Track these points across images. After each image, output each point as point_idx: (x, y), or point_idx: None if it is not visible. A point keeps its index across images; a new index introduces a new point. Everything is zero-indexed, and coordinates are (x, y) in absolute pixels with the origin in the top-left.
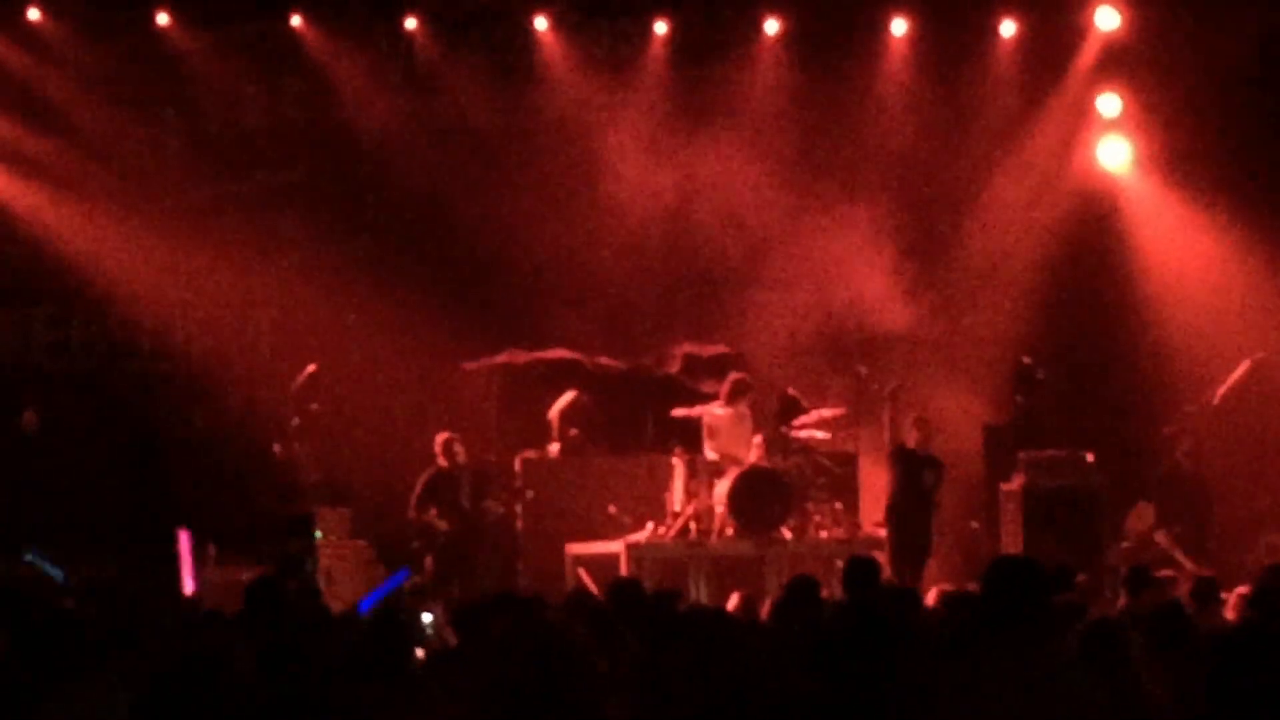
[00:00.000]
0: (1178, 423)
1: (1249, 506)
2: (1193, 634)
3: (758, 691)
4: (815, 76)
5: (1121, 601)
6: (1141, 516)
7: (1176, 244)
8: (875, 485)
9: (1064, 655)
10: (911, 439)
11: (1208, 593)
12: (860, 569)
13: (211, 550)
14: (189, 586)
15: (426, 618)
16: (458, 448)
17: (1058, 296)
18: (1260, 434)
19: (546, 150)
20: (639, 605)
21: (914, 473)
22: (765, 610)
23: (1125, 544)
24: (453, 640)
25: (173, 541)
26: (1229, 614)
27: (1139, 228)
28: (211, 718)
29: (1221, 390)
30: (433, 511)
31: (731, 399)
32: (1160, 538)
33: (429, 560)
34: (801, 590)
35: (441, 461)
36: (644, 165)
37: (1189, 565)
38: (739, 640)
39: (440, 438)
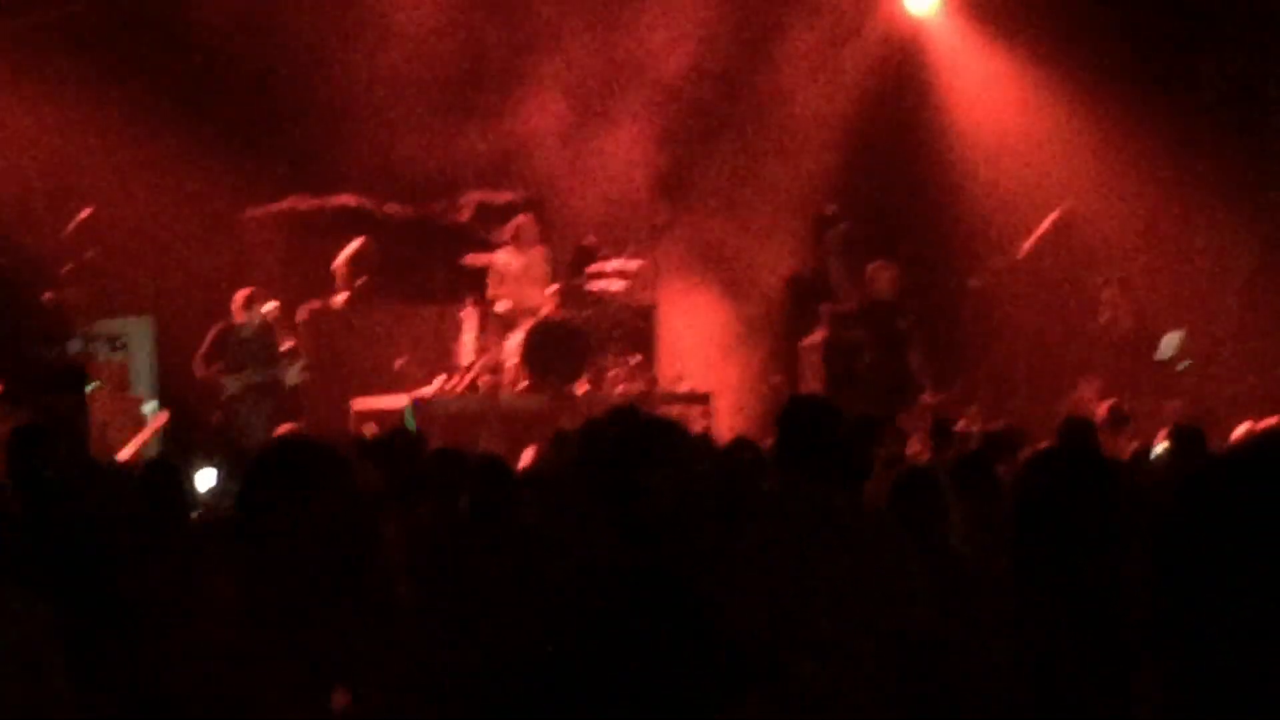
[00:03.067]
0: (982, 276)
1: (1058, 359)
2: (995, 485)
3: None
4: None
5: (926, 454)
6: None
7: (984, 91)
8: (673, 338)
9: (868, 503)
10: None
11: (1005, 445)
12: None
13: None
14: None
15: (205, 476)
16: (257, 306)
17: (860, 146)
18: (1069, 283)
19: None
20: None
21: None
22: None
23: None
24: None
25: None
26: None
27: (945, 74)
28: None
29: (1028, 242)
30: (217, 367)
31: (522, 245)
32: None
33: (217, 417)
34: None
35: (238, 318)
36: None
37: None
38: (535, 492)
39: (241, 293)
